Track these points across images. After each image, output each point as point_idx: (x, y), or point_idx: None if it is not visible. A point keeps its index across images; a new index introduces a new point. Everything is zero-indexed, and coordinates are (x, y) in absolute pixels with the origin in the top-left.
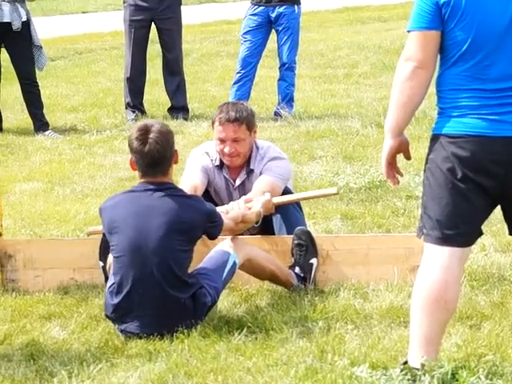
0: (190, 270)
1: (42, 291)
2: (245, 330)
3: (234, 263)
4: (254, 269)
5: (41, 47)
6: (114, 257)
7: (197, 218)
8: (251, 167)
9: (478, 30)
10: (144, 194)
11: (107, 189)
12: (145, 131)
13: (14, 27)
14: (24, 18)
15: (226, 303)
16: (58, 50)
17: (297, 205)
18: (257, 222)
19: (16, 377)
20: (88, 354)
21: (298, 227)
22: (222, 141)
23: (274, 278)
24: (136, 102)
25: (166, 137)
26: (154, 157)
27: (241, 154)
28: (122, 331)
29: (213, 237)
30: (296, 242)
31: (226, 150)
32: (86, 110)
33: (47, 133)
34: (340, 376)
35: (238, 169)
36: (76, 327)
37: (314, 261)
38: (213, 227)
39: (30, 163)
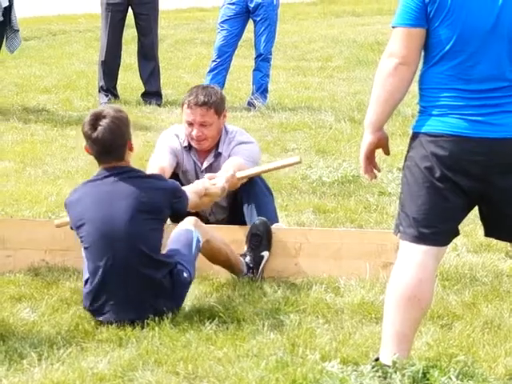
0: None
1: (12, 272)
2: (216, 319)
3: (198, 239)
4: (212, 250)
5: (17, 31)
6: (84, 248)
7: (160, 196)
8: (219, 150)
9: (463, 30)
10: (103, 181)
11: (79, 171)
12: (96, 117)
13: None
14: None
15: (196, 292)
16: (31, 30)
17: (271, 196)
18: (218, 197)
19: None
20: (58, 337)
21: (259, 217)
22: (190, 124)
23: (227, 263)
24: (109, 86)
25: (118, 124)
26: (103, 144)
27: (208, 138)
28: (101, 322)
29: (181, 213)
30: (253, 232)
31: (194, 133)
32: (58, 92)
33: None
34: (311, 370)
35: (206, 152)
36: (46, 309)
37: (265, 254)
38: (178, 202)
39: (2, 142)
